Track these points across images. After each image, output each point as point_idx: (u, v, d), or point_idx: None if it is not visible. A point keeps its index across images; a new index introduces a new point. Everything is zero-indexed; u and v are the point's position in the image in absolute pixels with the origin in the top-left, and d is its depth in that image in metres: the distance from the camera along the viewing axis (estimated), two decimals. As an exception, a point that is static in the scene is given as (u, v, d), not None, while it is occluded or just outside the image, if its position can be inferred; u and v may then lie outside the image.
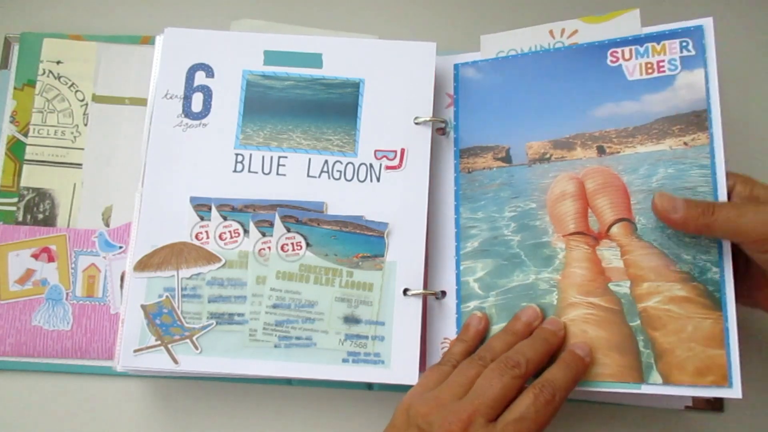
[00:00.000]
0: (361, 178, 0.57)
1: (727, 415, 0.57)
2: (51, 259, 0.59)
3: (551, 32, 0.58)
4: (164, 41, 0.58)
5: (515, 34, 0.59)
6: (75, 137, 0.62)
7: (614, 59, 0.55)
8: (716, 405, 0.57)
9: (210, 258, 0.55)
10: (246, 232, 0.55)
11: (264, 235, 0.55)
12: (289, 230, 0.55)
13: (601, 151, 0.54)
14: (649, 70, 0.54)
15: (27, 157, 0.61)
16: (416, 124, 0.57)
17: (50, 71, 0.62)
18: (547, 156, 0.56)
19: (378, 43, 0.59)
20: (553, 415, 0.45)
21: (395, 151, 0.57)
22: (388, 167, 0.57)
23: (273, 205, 0.56)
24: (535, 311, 0.52)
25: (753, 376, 0.58)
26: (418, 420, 0.46)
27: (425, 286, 0.55)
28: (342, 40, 0.59)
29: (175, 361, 0.53)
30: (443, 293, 0.56)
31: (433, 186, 0.57)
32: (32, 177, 0.61)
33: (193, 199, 0.56)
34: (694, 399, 0.57)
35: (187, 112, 0.57)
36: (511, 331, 0.51)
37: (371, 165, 0.57)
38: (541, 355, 0.49)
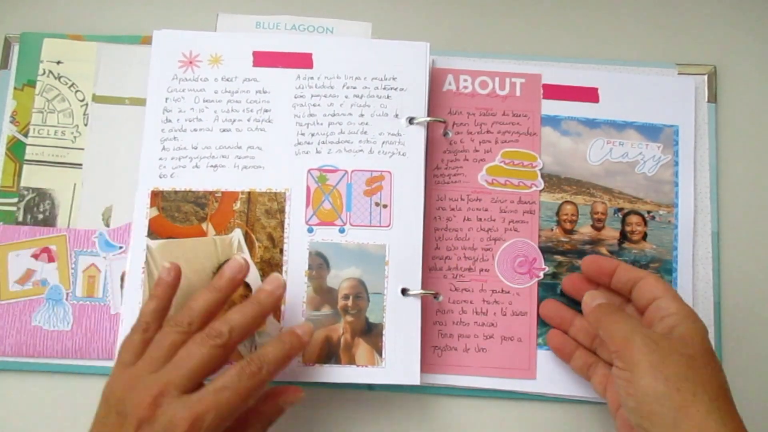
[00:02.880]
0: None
1: (728, 416, 0.57)
2: (51, 260, 0.59)
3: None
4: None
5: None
6: (75, 137, 0.61)
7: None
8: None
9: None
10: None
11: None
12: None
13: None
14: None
15: (27, 157, 0.61)
16: (410, 124, 0.57)
17: (50, 71, 0.62)
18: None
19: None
20: (256, 388, 0.45)
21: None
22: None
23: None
24: (239, 263, 0.50)
25: (753, 375, 0.58)
26: (115, 403, 0.44)
27: (424, 287, 0.56)
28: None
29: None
30: (438, 293, 0.56)
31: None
32: (32, 177, 0.61)
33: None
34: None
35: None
36: (215, 288, 0.49)
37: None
38: (251, 320, 0.47)
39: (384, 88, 0.58)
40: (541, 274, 0.57)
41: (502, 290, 0.57)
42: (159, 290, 0.49)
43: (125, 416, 0.43)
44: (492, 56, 0.64)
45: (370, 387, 0.58)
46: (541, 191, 0.59)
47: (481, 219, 0.58)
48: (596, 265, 0.54)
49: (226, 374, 0.44)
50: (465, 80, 0.61)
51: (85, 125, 0.62)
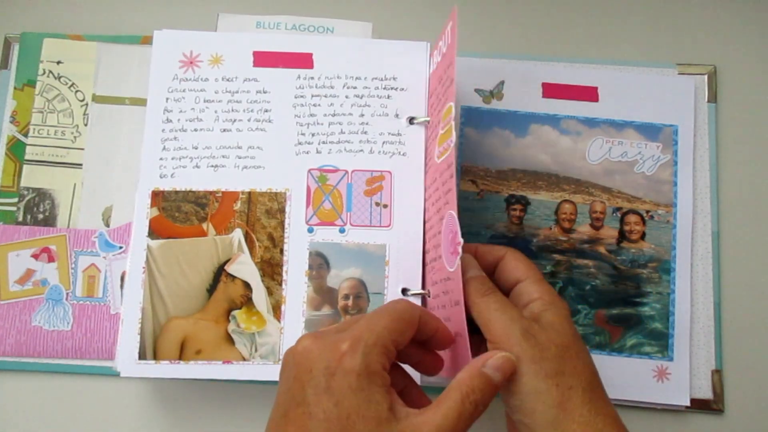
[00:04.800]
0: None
1: (727, 416, 0.57)
2: (51, 259, 0.59)
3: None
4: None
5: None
6: (75, 137, 0.61)
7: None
8: (716, 405, 0.57)
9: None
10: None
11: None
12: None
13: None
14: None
15: (27, 157, 0.61)
16: (411, 124, 0.57)
17: (50, 71, 0.62)
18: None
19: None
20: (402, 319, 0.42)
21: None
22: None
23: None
24: None
25: (753, 377, 0.58)
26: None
27: (424, 287, 0.56)
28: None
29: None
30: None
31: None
32: (32, 177, 0.61)
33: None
34: (693, 399, 0.57)
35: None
36: None
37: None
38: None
39: (384, 88, 0.58)
40: (460, 249, 0.46)
41: (448, 278, 0.49)
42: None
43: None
44: (492, 56, 0.64)
45: (370, 386, 0.58)
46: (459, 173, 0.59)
47: (437, 199, 0.53)
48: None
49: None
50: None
51: (85, 125, 0.62)
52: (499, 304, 0.44)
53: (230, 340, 0.55)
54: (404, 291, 0.55)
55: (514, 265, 0.48)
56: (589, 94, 0.62)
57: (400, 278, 0.56)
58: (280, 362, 0.48)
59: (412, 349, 0.45)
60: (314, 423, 0.38)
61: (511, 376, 0.42)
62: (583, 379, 0.42)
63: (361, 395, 0.38)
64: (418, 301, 0.55)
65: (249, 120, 0.58)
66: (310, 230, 0.57)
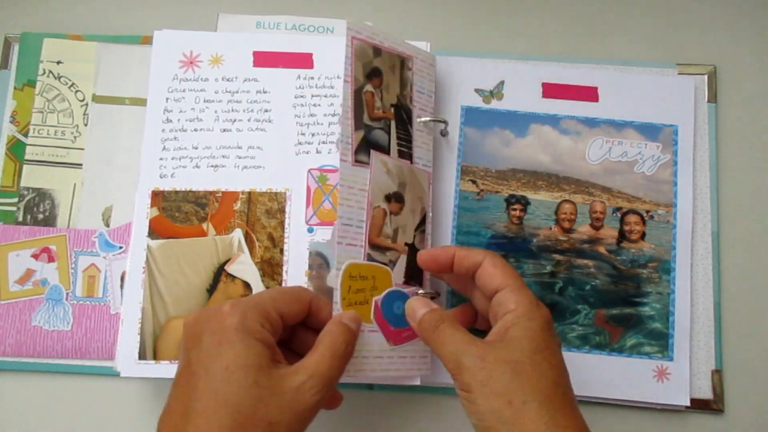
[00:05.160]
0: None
1: (727, 416, 0.57)
2: (51, 259, 0.59)
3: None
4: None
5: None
6: (75, 137, 0.61)
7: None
8: (716, 405, 0.57)
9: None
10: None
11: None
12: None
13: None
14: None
15: (27, 157, 0.61)
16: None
17: (50, 71, 0.62)
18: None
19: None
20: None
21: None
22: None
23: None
24: None
25: (753, 377, 0.58)
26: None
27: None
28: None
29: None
30: (437, 294, 0.56)
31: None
32: (32, 177, 0.61)
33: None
34: (693, 399, 0.57)
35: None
36: None
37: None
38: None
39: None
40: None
41: None
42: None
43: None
44: (492, 56, 0.64)
45: (370, 387, 0.58)
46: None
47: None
48: (432, 261, 0.51)
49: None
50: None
51: (85, 125, 0.62)
52: (449, 338, 0.45)
53: (230, 340, 0.55)
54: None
55: (492, 272, 0.47)
56: (589, 94, 0.62)
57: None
58: None
59: (309, 335, 0.48)
60: (197, 379, 0.41)
61: (360, 326, 0.48)
62: (539, 393, 0.42)
63: (238, 346, 0.42)
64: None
65: (249, 120, 0.58)
66: (310, 230, 0.57)
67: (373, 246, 0.52)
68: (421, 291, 0.54)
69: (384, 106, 0.55)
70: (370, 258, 0.52)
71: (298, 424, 0.42)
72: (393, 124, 0.55)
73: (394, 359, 0.52)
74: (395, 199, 0.54)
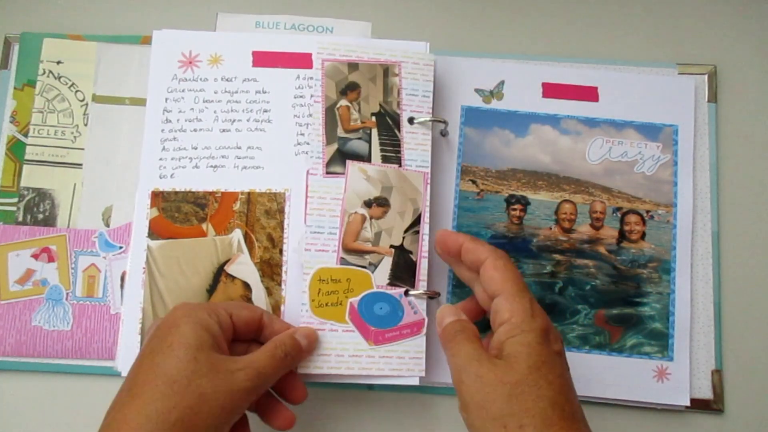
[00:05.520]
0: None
1: (727, 416, 0.57)
2: (51, 259, 0.59)
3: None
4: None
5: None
6: (75, 137, 0.62)
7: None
8: (716, 405, 0.57)
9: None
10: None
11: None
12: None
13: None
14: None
15: (27, 157, 0.61)
16: (411, 124, 0.57)
17: (50, 71, 0.62)
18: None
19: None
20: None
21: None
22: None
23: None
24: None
25: (753, 377, 0.58)
26: None
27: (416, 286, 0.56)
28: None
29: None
30: (437, 294, 0.56)
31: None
32: (32, 177, 0.61)
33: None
34: (693, 399, 0.57)
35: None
36: None
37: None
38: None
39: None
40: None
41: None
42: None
43: None
44: (492, 56, 0.64)
45: (370, 387, 0.58)
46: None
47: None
48: (443, 243, 0.51)
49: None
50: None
51: (85, 125, 0.62)
52: (459, 351, 0.45)
53: (230, 340, 0.55)
54: (407, 292, 0.55)
55: (491, 275, 0.47)
56: (589, 94, 0.62)
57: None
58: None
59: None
60: (142, 359, 0.45)
61: (315, 342, 0.52)
62: (536, 416, 0.41)
63: (183, 329, 0.45)
64: (422, 303, 0.55)
65: (248, 120, 0.58)
66: (310, 230, 0.57)
67: (349, 250, 0.54)
68: (416, 291, 0.54)
69: (363, 117, 0.57)
70: (344, 262, 0.54)
71: (229, 402, 0.44)
72: (374, 132, 0.56)
73: (375, 359, 0.53)
74: (377, 203, 0.55)
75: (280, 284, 0.56)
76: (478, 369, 0.43)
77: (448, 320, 0.48)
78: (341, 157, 0.56)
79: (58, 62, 0.63)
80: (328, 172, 0.55)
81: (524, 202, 0.60)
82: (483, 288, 0.48)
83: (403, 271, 0.55)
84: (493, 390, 0.42)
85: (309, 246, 0.54)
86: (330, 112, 0.57)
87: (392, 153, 0.56)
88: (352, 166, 0.56)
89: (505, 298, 0.45)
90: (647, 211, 0.60)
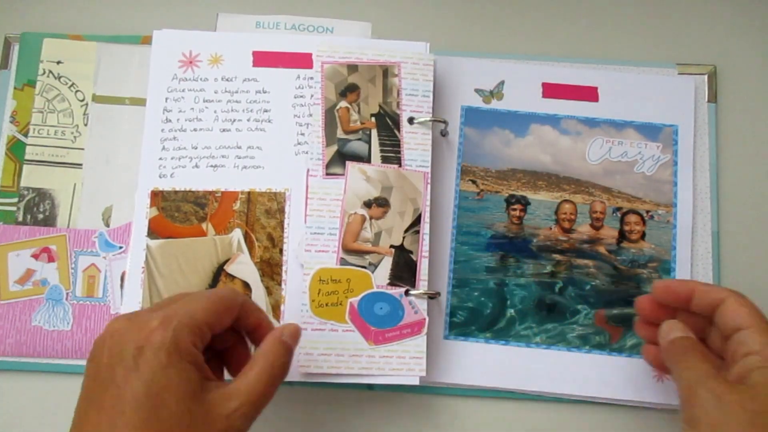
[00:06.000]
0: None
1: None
2: (51, 259, 0.59)
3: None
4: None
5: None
6: (75, 137, 0.62)
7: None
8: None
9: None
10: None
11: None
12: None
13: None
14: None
15: (27, 157, 0.61)
16: (411, 124, 0.57)
17: (50, 71, 0.62)
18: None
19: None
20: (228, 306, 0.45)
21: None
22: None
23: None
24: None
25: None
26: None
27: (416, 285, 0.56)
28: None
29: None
30: (438, 294, 0.56)
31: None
32: (32, 177, 0.61)
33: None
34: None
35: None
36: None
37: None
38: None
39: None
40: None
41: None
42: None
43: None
44: (492, 56, 0.64)
45: (370, 387, 0.58)
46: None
47: None
48: (669, 292, 0.50)
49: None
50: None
51: (85, 125, 0.62)
52: (693, 364, 0.44)
53: (230, 340, 0.55)
54: (407, 292, 0.55)
55: (736, 310, 0.45)
56: (589, 94, 0.62)
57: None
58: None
59: (228, 335, 0.46)
60: (124, 404, 0.38)
61: (297, 339, 0.46)
62: None
63: (170, 371, 0.39)
64: (423, 303, 0.55)
65: (248, 120, 0.58)
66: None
67: (349, 251, 0.54)
68: (417, 291, 0.54)
69: (363, 118, 0.57)
70: (344, 262, 0.54)
71: None
72: (374, 132, 0.56)
73: (375, 359, 0.53)
74: (376, 203, 0.55)
75: (280, 284, 0.56)
76: (716, 388, 0.42)
77: (677, 334, 0.47)
78: (341, 158, 0.56)
79: (58, 62, 0.63)
80: (327, 174, 0.56)
81: (524, 202, 0.60)
82: (720, 326, 0.47)
83: (404, 271, 0.55)
84: (734, 413, 0.40)
85: (309, 247, 0.54)
86: (329, 113, 0.57)
87: (392, 153, 0.56)
88: (351, 166, 0.56)
89: (755, 331, 0.44)
90: (647, 211, 0.60)
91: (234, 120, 0.58)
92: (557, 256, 0.59)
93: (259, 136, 0.58)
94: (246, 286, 0.56)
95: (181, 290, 0.55)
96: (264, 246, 0.57)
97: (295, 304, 0.55)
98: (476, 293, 0.58)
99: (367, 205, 0.55)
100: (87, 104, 0.62)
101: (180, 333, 0.40)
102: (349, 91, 0.57)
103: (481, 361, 0.57)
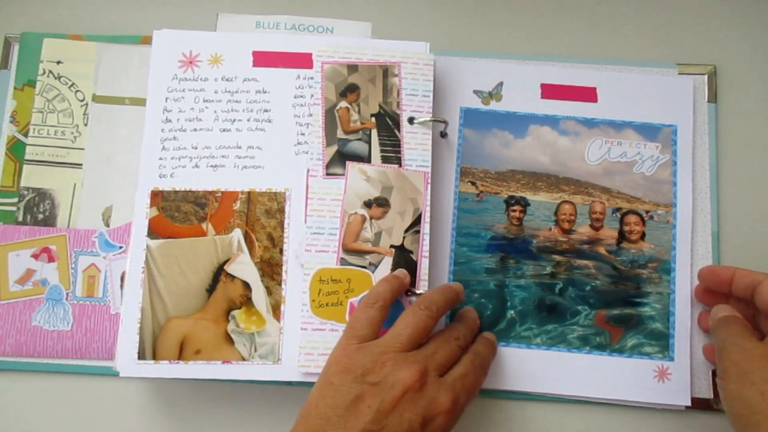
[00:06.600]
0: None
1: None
2: (51, 259, 0.59)
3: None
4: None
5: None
6: (75, 137, 0.62)
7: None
8: (717, 405, 0.57)
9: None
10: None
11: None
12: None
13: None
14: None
15: (27, 157, 0.61)
16: (411, 124, 0.57)
17: (50, 71, 0.62)
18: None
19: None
20: (483, 379, 0.52)
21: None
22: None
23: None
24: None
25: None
26: (363, 373, 0.46)
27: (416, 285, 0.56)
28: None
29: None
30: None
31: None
32: (32, 177, 0.61)
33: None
34: (694, 399, 0.57)
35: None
36: (448, 289, 0.54)
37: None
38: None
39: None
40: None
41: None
42: (398, 278, 0.53)
43: (386, 386, 0.46)
44: (492, 56, 0.64)
45: (369, 387, 0.58)
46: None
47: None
48: (712, 275, 0.55)
49: (461, 364, 0.50)
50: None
51: (85, 125, 0.62)
52: (730, 330, 0.50)
53: (230, 340, 0.55)
54: (407, 292, 0.55)
55: None
56: (588, 94, 0.62)
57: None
58: (280, 362, 0.54)
59: None
60: None
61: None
62: None
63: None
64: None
65: (248, 120, 0.58)
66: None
67: (349, 251, 0.54)
68: (417, 291, 0.54)
69: (363, 118, 0.57)
70: (344, 262, 0.54)
71: None
72: (374, 132, 0.56)
73: None
74: (377, 203, 0.56)
75: (280, 284, 0.56)
76: (744, 343, 0.48)
77: (724, 314, 0.52)
78: (341, 158, 0.56)
79: (58, 62, 0.63)
80: (327, 174, 0.56)
81: (524, 203, 0.60)
82: (760, 304, 0.51)
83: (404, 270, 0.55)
84: (758, 361, 0.46)
85: (309, 247, 0.54)
86: (329, 114, 0.57)
87: (392, 153, 0.56)
88: (351, 167, 0.56)
89: None
90: (647, 212, 0.60)
91: (234, 120, 0.58)
92: (557, 257, 0.59)
93: (259, 136, 0.58)
94: (246, 286, 0.56)
95: (182, 290, 0.55)
96: (264, 246, 0.57)
97: (295, 304, 0.55)
98: (476, 295, 0.58)
99: (367, 205, 0.56)
100: (87, 104, 0.62)
101: (459, 399, 0.48)
102: (349, 91, 0.57)
103: (480, 361, 0.57)
